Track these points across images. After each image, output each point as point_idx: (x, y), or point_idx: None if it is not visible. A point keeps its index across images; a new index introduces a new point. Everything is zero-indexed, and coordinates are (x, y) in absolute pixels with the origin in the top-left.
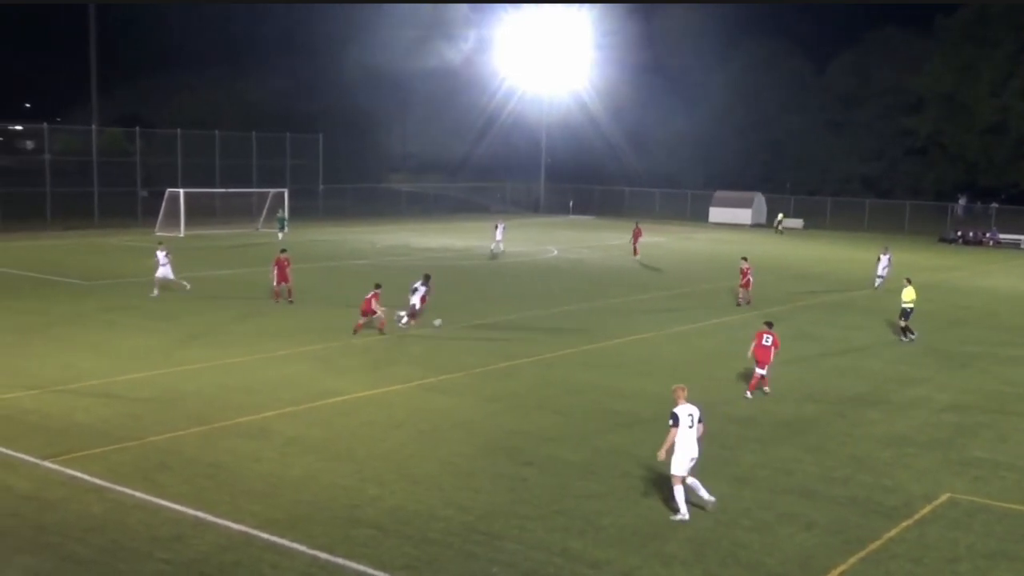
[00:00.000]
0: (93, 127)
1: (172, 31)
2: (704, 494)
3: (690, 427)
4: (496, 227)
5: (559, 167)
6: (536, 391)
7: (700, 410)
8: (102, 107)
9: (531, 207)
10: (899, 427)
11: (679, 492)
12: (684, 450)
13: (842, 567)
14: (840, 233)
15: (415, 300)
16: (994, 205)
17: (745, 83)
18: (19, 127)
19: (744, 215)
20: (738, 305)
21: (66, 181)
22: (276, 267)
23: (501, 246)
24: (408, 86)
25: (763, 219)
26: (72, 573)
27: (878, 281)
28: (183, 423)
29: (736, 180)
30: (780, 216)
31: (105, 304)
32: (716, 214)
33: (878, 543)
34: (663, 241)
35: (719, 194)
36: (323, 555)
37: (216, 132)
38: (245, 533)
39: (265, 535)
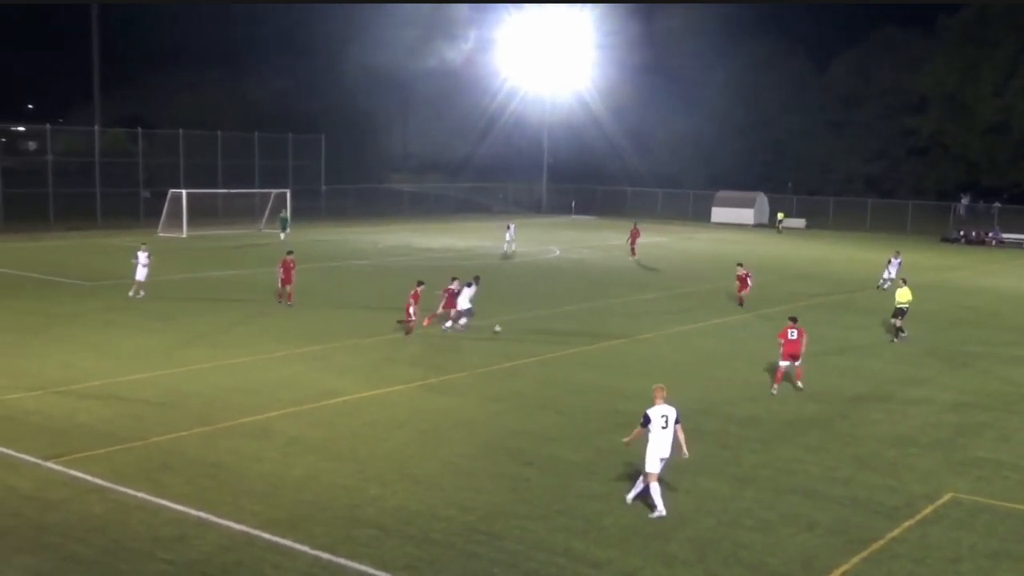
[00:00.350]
0: (95, 128)
1: (174, 31)
2: (630, 495)
3: (664, 428)
4: (507, 228)
5: (561, 167)
6: (538, 391)
7: (677, 412)
8: (104, 108)
9: (533, 207)
10: (901, 427)
11: (654, 489)
12: (655, 449)
13: (844, 567)
14: (842, 233)
15: (465, 302)
16: (996, 205)
17: (747, 83)
18: (21, 128)
19: (746, 215)
20: (740, 304)
21: (68, 182)
22: (282, 268)
23: (513, 246)
24: (410, 86)
25: (765, 219)
26: (74, 573)
27: (886, 283)
28: (185, 424)
29: (738, 180)
30: (780, 216)
31: (107, 305)
32: (718, 214)
33: (880, 543)
34: (665, 241)
35: (721, 194)
36: (325, 555)
37: (218, 133)
38: (247, 533)
39: (267, 535)
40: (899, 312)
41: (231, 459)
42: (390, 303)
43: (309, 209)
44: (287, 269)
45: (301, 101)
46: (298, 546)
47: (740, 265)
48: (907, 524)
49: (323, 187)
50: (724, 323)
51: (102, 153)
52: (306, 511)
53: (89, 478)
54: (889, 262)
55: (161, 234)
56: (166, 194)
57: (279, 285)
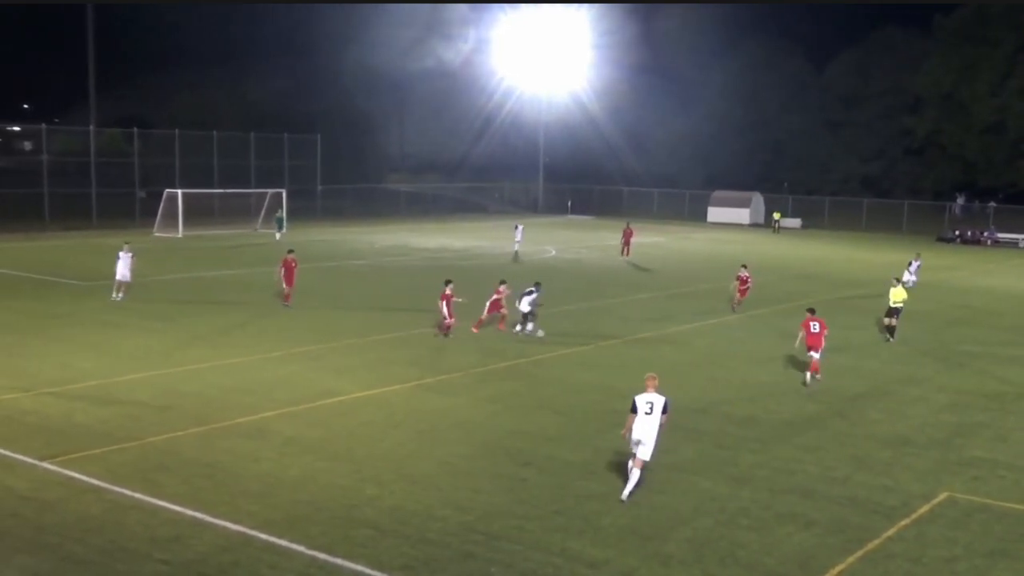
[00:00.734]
0: (91, 128)
1: (170, 31)
2: (627, 489)
3: (648, 414)
4: (515, 228)
5: (557, 167)
6: (535, 391)
7: (666, 402)
8: (100, 108)
9: (529, 207)
10: (898, 427)
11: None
12: (634, 432)
13: (841, 566)
14: (838, 233)
15: (525, 306)
16: (992, 204)
17: (744, 83)
18: (17, 128)
19: (742, 215)
20: (733, 310)
21: (64, 182)
22: (283, 268)
23: (518, 247)
24: (407, 86)
25: (761, 219)
26: (71, 573)
27: (909, 284)
28: (182, 424)
29: (735, 180)
30: (777, 215)
31: (104, 305)
32: (714, 214)
33: (877, 542)
34: (662, 241)
35: (717, 194)
36: (321, 555)
37: (214, 133)
38: (243, 533)
39: (263, 535)
40: (893, 311)
41: (227, 459)
42: (386, 303)
43: (305, 209)
44: (289, 269)
45: (298, 101)
46: (295, 546)
47: (744, 267)
48: (903, 523)
49: (319, 187)
50: (721, 323)
51: (98, 153)
52: (303, 511)
53: (85, 478)
54: (910, 264)
55: (157, 234)
56: (162, 194)
57: (283, 285)
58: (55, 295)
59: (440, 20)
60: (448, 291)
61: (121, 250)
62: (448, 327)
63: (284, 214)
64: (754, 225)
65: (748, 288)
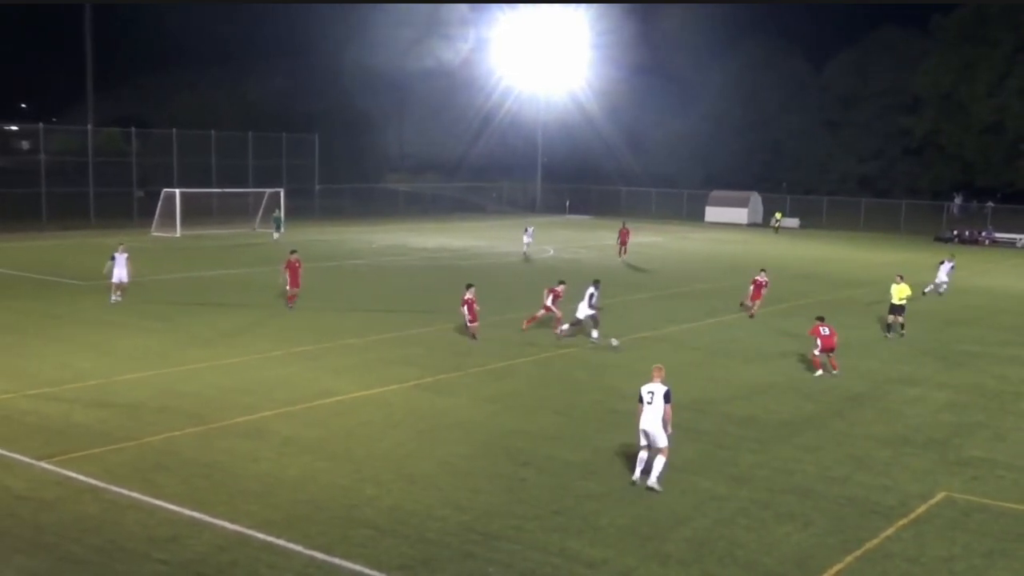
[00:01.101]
0: (89, 127)
1: (168, 31)
2: (649, 478)
3: (649, 403)
4: (525, 231)
5: (556, 167)
6: (534, 391)
7: (667, 390)
8: (98, 107)
9: (528, 207)
10: (897, 427)
11: (640, 457)
12: (639, 422)
13: (839, 566)
14: (837, 232)
15: (587, 309)
16: (990, 204)
17: (743, 83)
18: (14, 127)
19: (740, 214)
20: (751, 316)
21: (62, 181)
22: (288, 269)
23: (529, 248)
24: (405, 86)
25: (760, 219)
26: (69, 573)
27: (943, 287)
28: (180, 423)
29: (733, 180)
30: (778, 215)
31: (101, 304)
32: (712, 213)
33: (875, 542)
34: (660, 241)
35: (715, 193)
36: (320, 555)
37: (212, 132)
38: (242, 533)
39: (262, 535)
40: (896, 309)
41: (226, 459)
42: (385, 303)
43: (303, 208)
44: (293, 270)
45: (297, 101)
46: (293, 546)
47: (763, 271)
48: (901, 523)
49: (317, 187)
50: (720, 323)
51: (96, 152)
52: (301, 511)
53: (83, 478)
54: (941, 263)
55: (155, 234)
56: (160, 194)
57: (286, 287)
58: (53, 295)
59: (439, 20)
60: (469, 295)
61: (116, 251)
62: (473, 330)
63: (282, 214)
64: (752, 225)
65: (764, 292)
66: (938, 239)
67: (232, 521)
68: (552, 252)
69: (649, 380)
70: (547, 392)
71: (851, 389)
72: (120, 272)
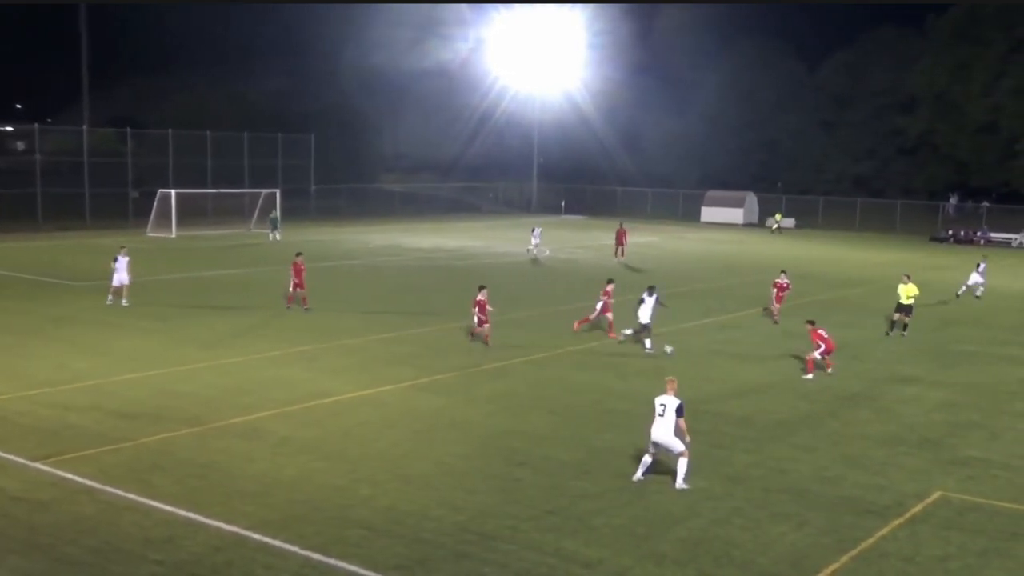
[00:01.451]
0: (84, 128)
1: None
2: (676, 482)
3: (660, 415)
4: (532, 231)
5: (551, 167)
6: (530, 391)
7: (680, 405)
8: (93, 108)
9: (523, 207)
10: (891, 426)
11: (644, 460)
12: (650, 432)
13: (834, 566)
14: (832, 233)
15: (645, 316)
16: (985, 204)
17: (739, 83)
18: (10, 128)
19: (736, 215)
20: (776, 323)
21: (57, 182)
22: (293, 270)
23: (537, 249)
24: (401, 86)
25: (755, 219)
26: (64, 574)
27: (979, 289)
28: (176, 424)
29: (729, 180)
30: (778, 216)
31: (98, 305)
32: (708, 214)
33: (870, 542)
34: (656, 241)
35: (711, 193)
36: (316, 556)
37: (207, 132)
38: (238, 534)
39: (258, 536)
40: (903, 308)
41: (222, 459)
42: (381, 303)
43: (299, 209)
44: (298, 272)
45: (293, 101)
46: (289, 547)
47: (784, 272)
48: (896, 523)
49: (312, 187)
50: (715, 322)
51: (91, 153)
52: (297, 511)
53: (79, 479)
54: (977, 266)
55: (150, 234)
56: (155, 194)
57: (290, 288)
58: (49, 295)
59: (435, 20)
60: (481, 297)
61: (119, 253)
62: (486, 335)
63: (279, 214)
64: (748, 225)
65: (785, 295)
66: (933, 239)
67: (228, 522)
68: (548, 252)
69: (663, 392)
70: (542, 392)
71: (846, 389)
72: (121, 275)
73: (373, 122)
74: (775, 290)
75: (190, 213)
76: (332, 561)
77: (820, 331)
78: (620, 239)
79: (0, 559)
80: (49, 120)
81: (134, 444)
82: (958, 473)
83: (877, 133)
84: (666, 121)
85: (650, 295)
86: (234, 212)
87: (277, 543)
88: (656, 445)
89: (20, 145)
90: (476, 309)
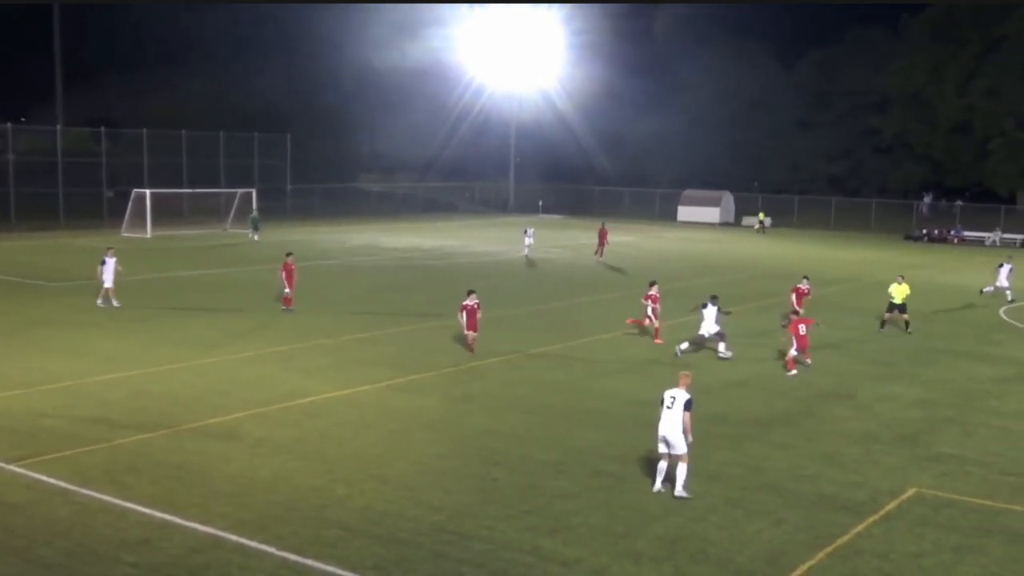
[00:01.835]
0: (58, 127)
1: (138, 30)
2: (674, 489)
3: (669, 408)
4: (525, 232)
5: (529, 166)
6: (507, 391)
7: (688, 399)
8: (67, 107)
9: (500, 207)
10: (867, 423)
11: (660, 467)
12: (659, 428)
13: (810, 563)
14: (808, 232)
15: (712, 324)
16: (958, 203)
17: (716, 83)
18: None
19: (713, 214)
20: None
21: (31, 181)
22: (284, 272)
23: (530, 250)
24: (378, 86)
25: (732, 218)
26: None
27: (1009, 293)
28: (152, 425)
29: (706, 179)
30: (761, 215)
31: (73, 306)
32: (684, 213)
33: (846, 538)
34: (633, 240)
35: (687, 193)
36: (292, 556)
37: (183, 132)
38: (214, 535)
39: (234, 537)
40: (897, 307)
41: (198, 460)
42: (357, 303)
43: (275, 209)
44: (290, 272)
45: (269, 100)
46: (265, 547)
47: (806, 278)
48: (872, 519)
49: (289, 186)
50: (693, 321)
51: (65, 152)
52: (274, 512)
53: (53, 481)
54: (1000, 267)
55: (125, 234)
56: (130, 194)
57: (285, 290)
58: (23, 296)
59: (412, 19)
60: (470, 302)
61: (106, 255)
62: (471, 341)
63: (258, 214)
64: (724, 224)
65: (805, 301)
66: (908, 238)
67: (204, 523)
68: (525, 252)
69: (674, 385)
70: (519, 392)
71: (822, 386)
72: (108, 276)
73: (350, 122)
74: (794, 296)
75: (165, 213)
76: (309, 562)
77: (800, 324)
78: (602, 238)
79: None
80: (22, 119)
81: (109, 445)
82: (933, 470)
83: (852, 133)
84: (643, 120)
85: (713, 303)
86: (210, 212)
87: (254, 544)
88: (666, 441)
89: None
90: (463, 314)
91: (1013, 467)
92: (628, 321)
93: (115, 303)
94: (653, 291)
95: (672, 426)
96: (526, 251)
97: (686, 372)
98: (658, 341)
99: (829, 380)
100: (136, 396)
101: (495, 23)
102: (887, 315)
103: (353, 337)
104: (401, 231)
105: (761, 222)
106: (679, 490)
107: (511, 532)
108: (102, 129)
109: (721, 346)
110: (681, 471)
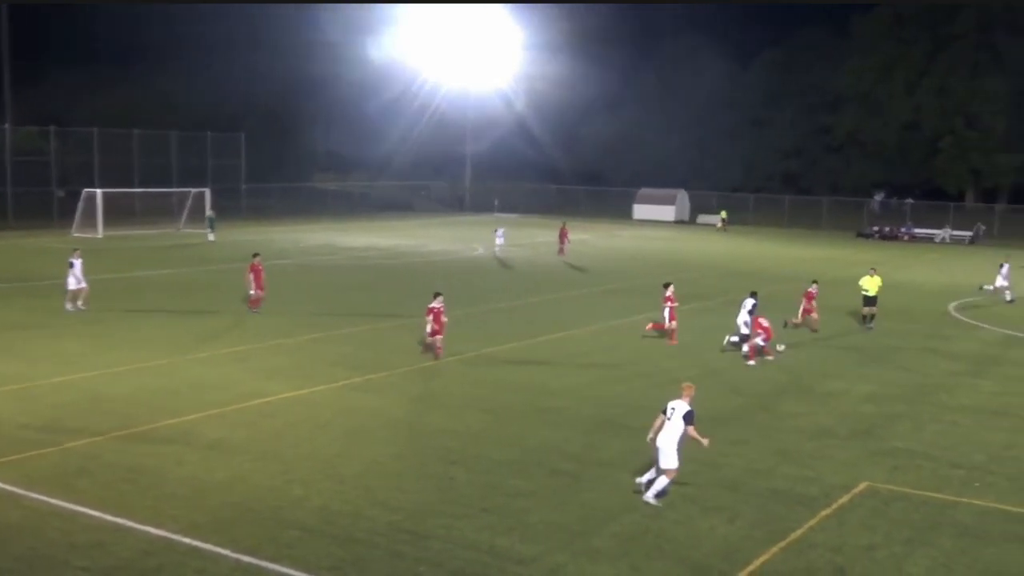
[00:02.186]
0: (6, 126)
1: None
2: (647, 493)
3: (669, 419)
4: (495, 232)
5: (484, 166)
6: (463, 390)
7: (688, 412)
8: (15, 105)
9: (456, 205)
10: (821, 419)
11: (653, 475)
12: (658, 439)
13: (764, 557)
14: (762, 229)
15: (744, 327)
16: (909, 201)
17: (671, 81)
18: None
19: (668, 212)
20: (795, 327)
21: None
22: (251, 273)
23: (501, 250)
24: (333, 85)
25: (687, 216)
26: None
27: (1007, 293)
28: (104, 427)
29: (661, 178)
30: (723, 213)
31: (23, 307)
32: (640, 211)
33: (799, 533)
34: (588, 238)
35: (643, 191)
36: (247, 558)
37: (134, 131)
38: (167, 538)
39: (188, 540)
40: (869, 301)
41: (151, 463)
42: (313, 303)
43: (230, 208)
44: (257, 273)
45: (222, 99)
46: (220, 550)
47: (815, 283)
48: (824, 513)
49: (243, 186)
50: (650, 318)
51: (13, 152)
52: (229, 514)
53: (2, 485)
54: (1001, 266)
55: (75, 234)
56: (80, 194)
57: (250, 292)
58: None
59: (365, 18)
60: (436, 304)
61: (72, 256)
62: (438, 347)
63: (213, 213)
64: (679, 222)
65: (814, 307)
66: (860, 235)
67: (157, 526)
68: (481, 250)
69: (678, 397)
70: (476, 391)
71: (777, 382)
72: (79, 278)
73: (305, 121)
74: (805, 300)
75: (117, 213)
76: (264, 563)
77: (761, 319)
78: (563, 237)
79: None
80: None
81: (60, 449)
82: (885, 464)
83: (806, 131)
84: (598, 119)
85: (752, 298)
86: (163, 212)
87: (208, 546)
88: (659, 451)
89: None
90: (430, 317)
91: (962, 460)
92: (648, 327)
93: (81, 305)
94: (670, 292)
95: (667, 437)
96: (496, 250)
97: (688, 383)
98: (673, 342)
99: (783, 377)
100: (89, 399)
101: (451, 22)
102: (865, 309)
103: (309, 337)
104: (357, 230)
105: (723, 220)
106: (650, 496)
107: (468, 531)
108: (51, 128)
109: (781, 347)
110: (661, 482)
